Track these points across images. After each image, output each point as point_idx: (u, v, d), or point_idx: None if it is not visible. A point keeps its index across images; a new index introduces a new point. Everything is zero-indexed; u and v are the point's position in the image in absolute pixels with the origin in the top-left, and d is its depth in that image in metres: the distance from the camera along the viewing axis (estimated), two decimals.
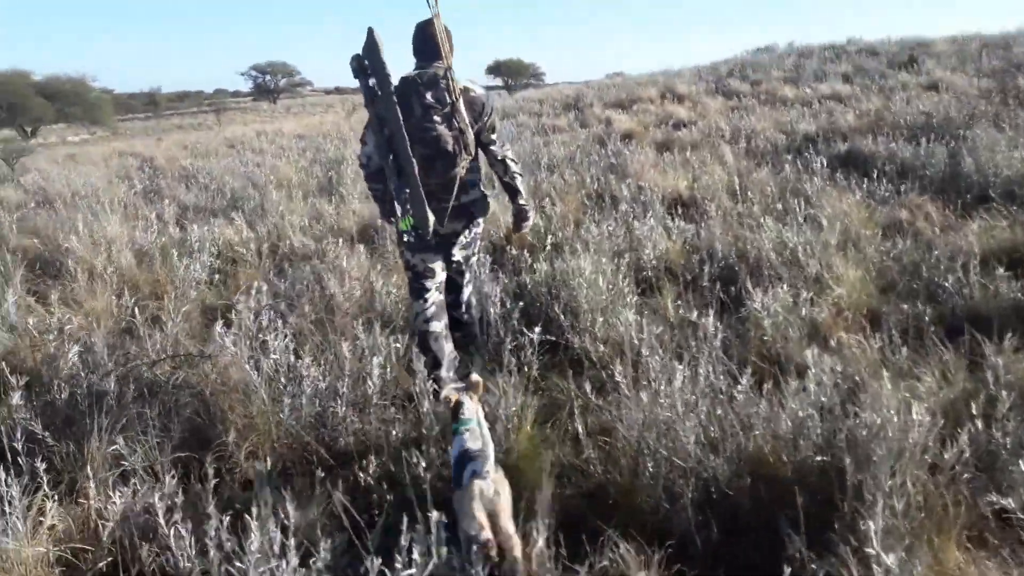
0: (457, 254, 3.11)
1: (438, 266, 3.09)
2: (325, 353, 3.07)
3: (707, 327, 2.75)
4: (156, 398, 2.97)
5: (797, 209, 5.03)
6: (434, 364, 3.01)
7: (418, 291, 3.08)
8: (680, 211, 5.78)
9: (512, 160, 3.12)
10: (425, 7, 2.82)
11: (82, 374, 3.07)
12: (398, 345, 3.07)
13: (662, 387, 2.40)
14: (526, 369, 2.81)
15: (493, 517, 2.00)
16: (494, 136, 3.06)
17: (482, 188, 3.10)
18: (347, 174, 8.59)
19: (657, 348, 2.74)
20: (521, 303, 3.52)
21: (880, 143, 7.24)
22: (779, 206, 5.32)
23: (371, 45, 2.75)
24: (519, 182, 3.16)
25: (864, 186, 5.79)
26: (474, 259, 3.26)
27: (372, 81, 2.76)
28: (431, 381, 2.75)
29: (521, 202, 3.19)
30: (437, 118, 2.84)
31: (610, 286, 3.79)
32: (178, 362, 3.35)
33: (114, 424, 2.62)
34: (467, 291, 3.27)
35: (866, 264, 4.11)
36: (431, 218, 2.78)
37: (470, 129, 2.90)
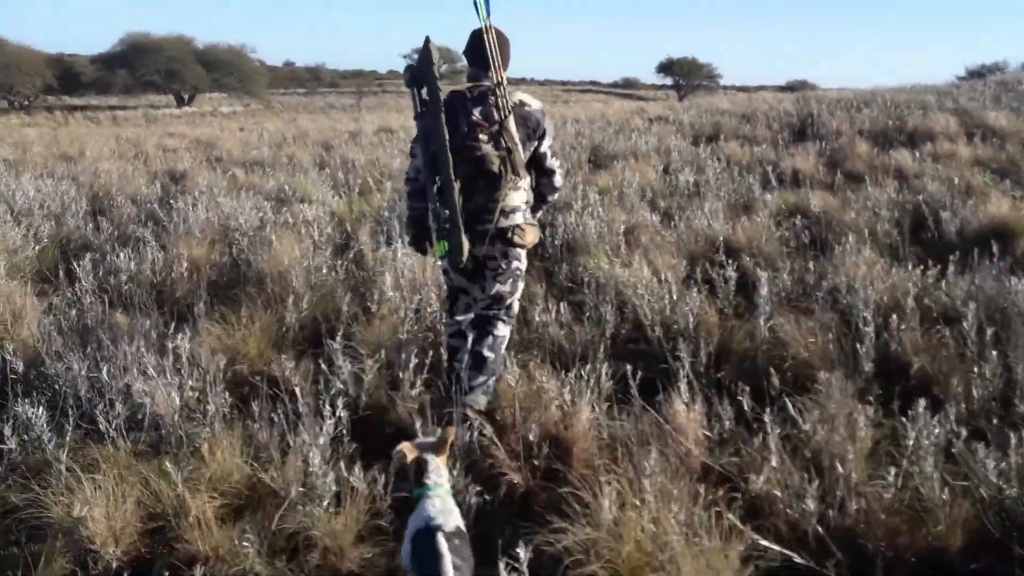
0: (490, 286, 2.85)
1: (473, 288, 2.89)
2: None
3: None
4: None
5: None
6: (454, 372, 2.81)
7: (449, 308, 3.02)
8: None
9: (559, 187, 2.98)
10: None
11: None
12: None
13: None
14: None
15: None
16: (556, 164, 2.93)
17: (525, 216, 2.81)
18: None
19: None
20: None
21: None
22: None
23: (425, 57, 2.64)
24: (551, 198, 3.02)
25: None
26: (514, 302, 2.96)
27: (424, 92, 2.65)
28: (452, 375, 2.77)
29: (537, 216, 2.97)
30: (483, 136, 2.67)
31: None
32: None
33: None
34: (497, 334, 2.88)
35: None
36: (466, 245, 2.66)
37: (520, 149, 2.72)
